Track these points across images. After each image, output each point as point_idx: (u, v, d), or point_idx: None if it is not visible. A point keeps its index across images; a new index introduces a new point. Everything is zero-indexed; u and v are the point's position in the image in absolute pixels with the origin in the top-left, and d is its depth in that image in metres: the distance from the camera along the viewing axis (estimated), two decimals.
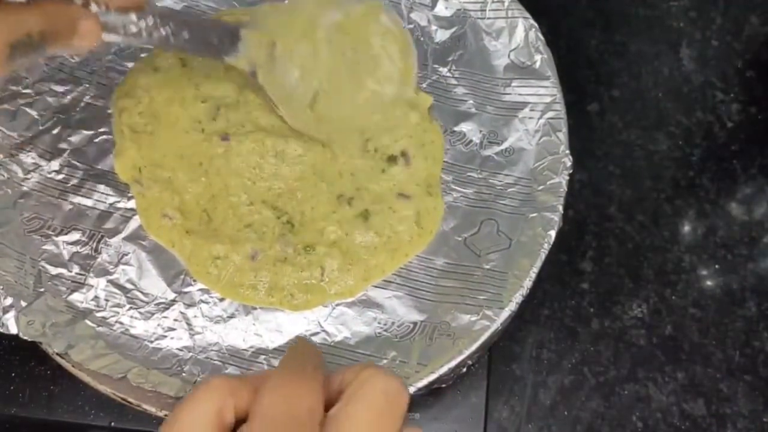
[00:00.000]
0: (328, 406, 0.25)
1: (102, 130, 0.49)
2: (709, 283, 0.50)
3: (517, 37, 0.51)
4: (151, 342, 0.43)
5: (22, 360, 0.47)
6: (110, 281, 0.44)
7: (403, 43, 0.48)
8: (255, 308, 0.44)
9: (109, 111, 0.49)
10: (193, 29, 0.42)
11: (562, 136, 0.47)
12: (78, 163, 0.48)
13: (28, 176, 0.47)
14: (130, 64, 0.51)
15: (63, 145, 0.48)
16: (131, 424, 0.45)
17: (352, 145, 0.47)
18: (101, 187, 0.47)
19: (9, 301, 0.41)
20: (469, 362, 0.42)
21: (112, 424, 0.45)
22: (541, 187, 0.46)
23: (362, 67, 0.47)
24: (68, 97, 0.50)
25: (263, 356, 0.42)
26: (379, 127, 0.47)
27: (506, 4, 0.51)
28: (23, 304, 0.42)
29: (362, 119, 0.47)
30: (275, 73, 0.45)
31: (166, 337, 0.43)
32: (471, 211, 0.47)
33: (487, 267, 0.44)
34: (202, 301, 0.44)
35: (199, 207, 0.47)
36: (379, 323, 0.43)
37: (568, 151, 0.46)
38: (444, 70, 0.51)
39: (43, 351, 0.41)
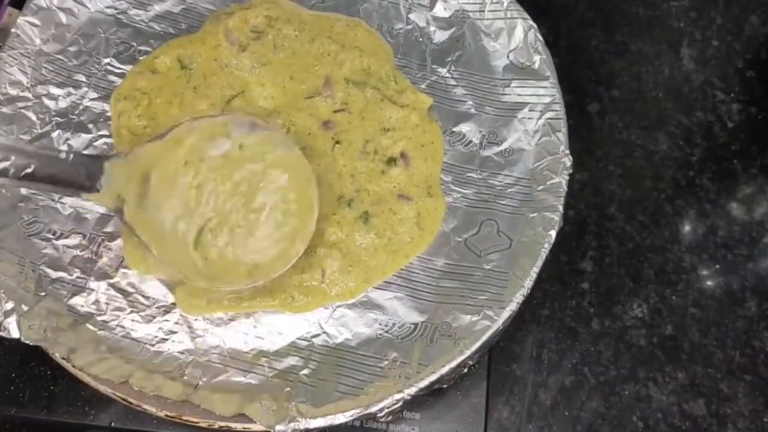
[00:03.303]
0: None
1: (101, 133, 0.49)
2: (709, 283, 0.51)
3: (516, 37, 0.50)
4: (153, 345, 0.43)
5: (23, 360, 0.47)
6: (111, 285, 0.44)
7: (303, 175, 0.43)
8: (256, 311, 0.44)
9: (108, 114, 0.49)
10: (40, 163, 0.38)
11: (562, 136, 0.47)
12: None
13: None
14: (129, 67, 0.51)
15: (62, 148, 0.48)
16: (131, 424, 0.45)
17: (239, 282, 0.41)
18: None
19: (10, 305, 0.41)
20: (470, 362, 0.42)
21: (112, 424, 0.45)
22: (541, 187, 0.46)
23: (258, 202, 0.41)
24: (67, 100, 0.50)
25: (264, 359, 0.43)
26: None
27: (505, 4, 0.51)
28: (24, 308, 0.42)
29: (256, 256, 0.41)
30: (148, 209, 0.39)
31: (167, 340, 0.43)
32: (471, 211, 0.47)
33: (488, 267, 0.44)
34: None
35: None
36: (380, 324, 0.43)
37: (567, 152, 0.46)
38: (443, 71, 0.51)
39: (44, 351, 0.41)
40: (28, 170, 0.38)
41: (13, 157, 0.38)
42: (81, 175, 0.40)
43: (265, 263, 0.41)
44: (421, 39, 0.52)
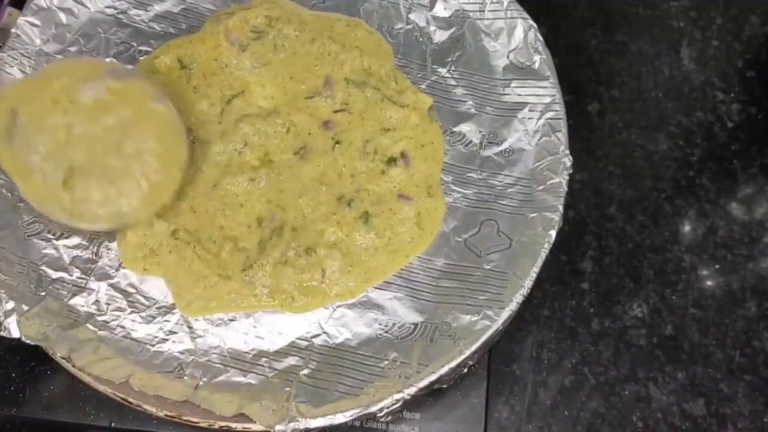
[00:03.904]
0: None
1: None
2: (709, 283, 0.51)
3: (516, 37, 0.50)
4: (153, 346, 0.43)
5: (23, 360, 0.47)
6: (111, 285, 0.44)
7: (173, 129, 0.43)
8: (256, 311, 0.44)
9: None
10: None
11: (562, 136, 0.47)
12: None
13: None
14: (129, 67, 0.51)
15: None
16: (131, 424, 0.45)
17: (101, 224, 0.42)
18: None
19: (11, 305, 0.41)
20: (470, 362, 0.42)
21: (112, 424, 0.45)
22: (541, 187, 0.46)
23: (128, 149, 0.42)
24: None
25: (264, 359, 0.43)
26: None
27: (505, 4, 0.51)
28: (25, 308, 0.42)
29: (122, 201, 0.42)
30: (15, 144, 0.40)
31: (167, 340, 0.43)
32: (471, 211, 0.47)
33: (488, 267, 0.44)
34: None
35: None
36: (380, 324, 0.43)
37: (567, 152, 0.46)
38: (443, 71, 0.51)
39: (44, 351, 0.41)
40: None
41: None
42: None
43: (129, 210, 0.42)
44: (421, 39, 0.52)
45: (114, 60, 0.51)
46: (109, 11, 0.53)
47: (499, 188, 0.47)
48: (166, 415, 0.40)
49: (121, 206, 0.42)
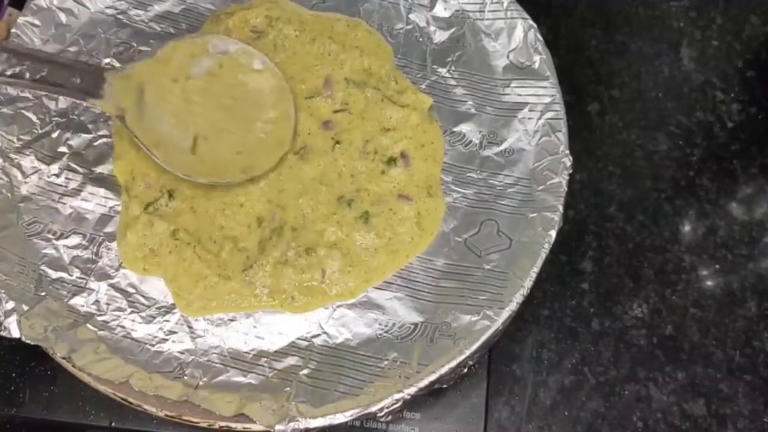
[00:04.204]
0: None
1: (101, 133, 0.49)
2: (709, 283, 0.51)
3: (516, 37, 0.50)
4: (153, 346, 0.43)
5: (23, 360, 0.47)
6: (111, 285, 0.44)
7: (278, 85, 0.48)
8: (256, 311, 0.44)
9: (108, 114, 0.49)
10: (53, 67, 0.43)
11: (562, 136, 0.47)
12: (77, 167, 0.48)
13: (28, 180, 0.47)
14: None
15: (62, 149, 0.48)
16: (131, 424, 0.45)
17: (235, 178, 0.46)
18: (101, 191, 0.47)
19: (11, 305, 0.41)
20: (470, 362, 0.42)
21: (112, 424, 0.45)
22: (541, 187, 0.46)
23: (243, 112, 0.47)
24: (67, 100, 0.49)
25: (264, 359, 0.43)
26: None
27: (505, 4, 0.51)
28: (25, 308, 0.42)
29: (249, 159, 0.46)
30: (145, 118, 0.45)
31: (167, 340, 0.43)
32: (471, 211, 0.47)
33: (488, 267, 0.44)
34: None
35: None
36: (380, 324, 0.43)
37: (567, 152, 0.46)
38: (443, 71, 0.51)
39: (44, 351, 0.41)
40: (43, 73, 0.42)
41: (27, 62, 0.42)
42: (86, 83, 0.44)
43: (256, 163, 0.46)
44: (421, 39, 0.52)
45: (114, 61, 0.51)
46: (109, 11, 0.53)
47: (499, 188, 0.47)
48: (166, 415, 0.40)
49: (248, 161, 0.46)
